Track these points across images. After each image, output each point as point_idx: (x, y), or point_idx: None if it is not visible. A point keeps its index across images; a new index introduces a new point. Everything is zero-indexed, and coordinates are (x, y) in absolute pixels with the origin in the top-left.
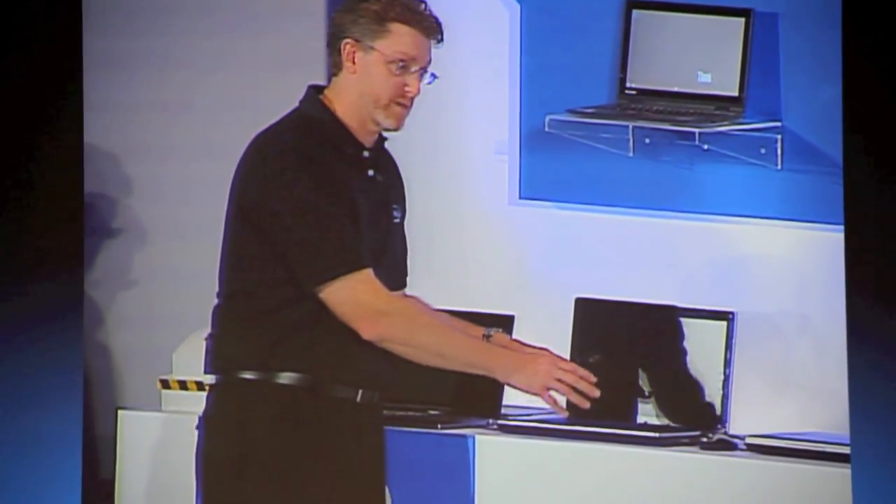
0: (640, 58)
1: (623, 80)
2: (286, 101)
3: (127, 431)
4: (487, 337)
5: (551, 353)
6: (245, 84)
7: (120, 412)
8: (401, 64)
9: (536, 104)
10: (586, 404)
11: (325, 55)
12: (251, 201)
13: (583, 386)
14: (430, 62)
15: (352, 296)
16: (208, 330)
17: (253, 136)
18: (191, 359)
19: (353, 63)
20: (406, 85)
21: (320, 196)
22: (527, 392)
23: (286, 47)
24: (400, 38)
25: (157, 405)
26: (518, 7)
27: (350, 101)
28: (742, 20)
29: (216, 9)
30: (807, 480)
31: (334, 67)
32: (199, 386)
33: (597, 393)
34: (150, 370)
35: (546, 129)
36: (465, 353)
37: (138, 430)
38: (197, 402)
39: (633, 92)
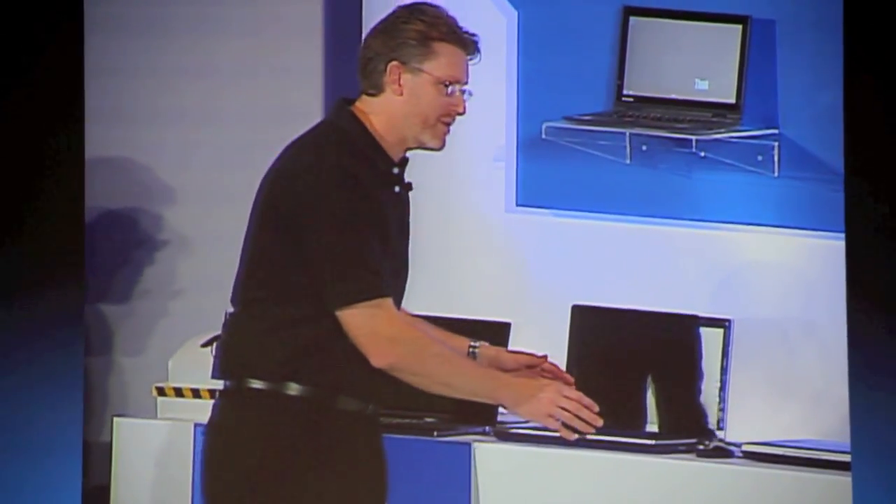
0: (637, 65)
1: (620, 87)
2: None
3: (123, 438)
4: (473, 349)
5: (558, 371)
6: (245, 104)
7: (115, 419)
8: (448, 84)
9: (533, 111)
10: (590, 430)
11: (321, 63)
12: (285, 212)
13: (585, 414)
14: (468, 80)
15: (368, 323)
16: (204, 337)
17: (285, 145)
18: (187, 366)
19: (399, 85)
20: (453, 104)
21: (356, 215)
22: (532, 420)
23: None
24: (446, 58)
25: (152, 412)
26: (515, 14)
27: (393, 121)
28: (739, 27)
29: (218, 17)
30: (803, 488)
31: (373, 89)
32: (195, 393)
33: (600, 422)
34: (146, 377)
35: (543, 136)
36: (472, 384)
37: (134, 438)
38: (193, 410)
39: (631, 99)
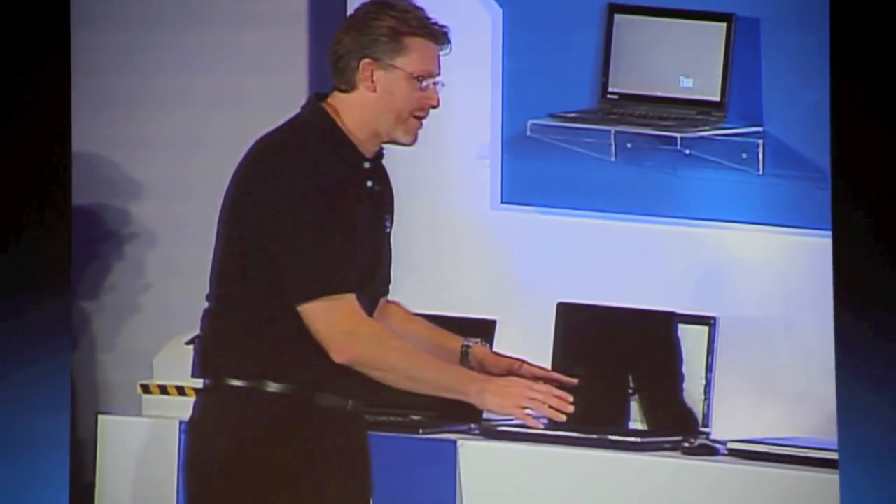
0: (622, 62)
1: (605, 85)
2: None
3: (107, 436)
4: (467, 348)
5: (527, 367)
6: (221, 100)
7: (100, 417)
8: (422, 78)
9: (518, 108)
10: (562, 418)
11: (306, 54)
12: (250, 209)
13: (557, 403)
14: (440, 72)
15: (327, 317)
16: (189, 335)
17: (254, 140)
18: (171, 364)
19: (373, 82)
20: (426, 98)
21: (320, 211)
22: (500, 413)
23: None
24: (419, 52)
25: (137, 410)
26: (500, 11)
27: (366, 117)
28: (724, 25)
29: (198, 12)
30: (788, 485)
31: (345, 85)
32: (180, 391)
33: (571, 409)
34: (131, 375)
35: (528, 133)
36: (437, 377)
37: (119, 435)
38: (178, 407)
39: (616, 96)
